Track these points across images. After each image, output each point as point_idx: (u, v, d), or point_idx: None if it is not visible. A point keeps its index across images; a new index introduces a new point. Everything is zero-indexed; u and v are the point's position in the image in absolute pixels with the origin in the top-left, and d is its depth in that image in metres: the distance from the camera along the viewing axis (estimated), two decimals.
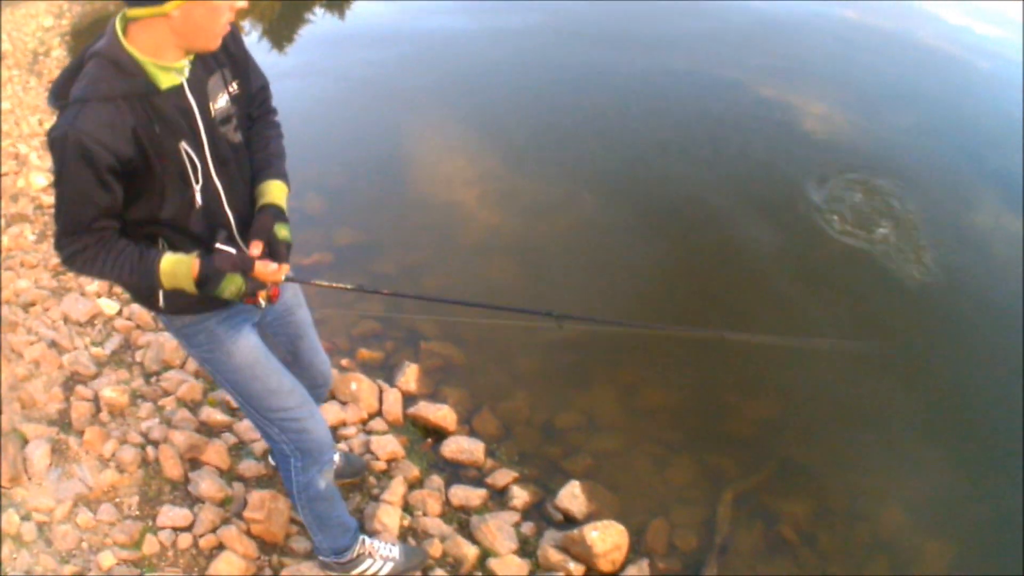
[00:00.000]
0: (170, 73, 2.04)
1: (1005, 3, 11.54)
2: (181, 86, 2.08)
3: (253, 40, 10.79)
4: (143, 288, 2.28)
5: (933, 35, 10.48)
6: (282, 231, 2.37)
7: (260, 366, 2.56)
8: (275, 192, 2.39)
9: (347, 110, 7.84)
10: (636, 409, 4.42)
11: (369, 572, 3.16)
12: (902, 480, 4.13)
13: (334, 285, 2.76)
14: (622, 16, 11.05)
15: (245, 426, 3.84)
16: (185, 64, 2.07)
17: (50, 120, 6.45)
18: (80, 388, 4.00)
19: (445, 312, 4.75)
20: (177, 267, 2.13)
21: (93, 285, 4.80)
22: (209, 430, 3.83)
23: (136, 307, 4.64)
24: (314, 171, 6.42)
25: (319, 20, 11.81)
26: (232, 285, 2.18)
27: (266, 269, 2.26)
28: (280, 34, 11.29)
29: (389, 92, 8.13)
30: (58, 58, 8.46)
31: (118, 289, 4.83)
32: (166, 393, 4.04)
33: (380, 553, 3.19)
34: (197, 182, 2.16)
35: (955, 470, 4.19)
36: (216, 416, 3.88)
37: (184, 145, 2.09)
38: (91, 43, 2.04)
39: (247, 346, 2.52)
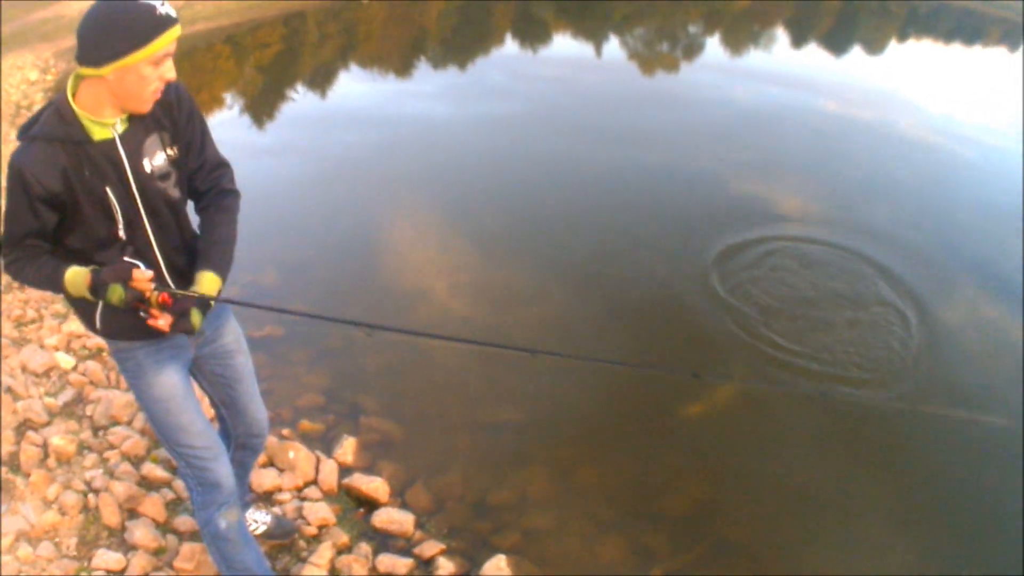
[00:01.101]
0: (104, 128, 2.37)
1: (987, 90, 12.33)
2: (113, 139, 2.40)
3: (233, 115, 11.14)
4: (50, 288, 2.53)
5: (914, 124, 11.08)
6: (196, 317, 2.56)
7: (175, 402, 2.78)
8: (204, 284, 2.58)
9: (321, 190, 8.19)
10: (570, 488, 4.57)
11: None
12: (843, 559, 4.22)
13: (273, 307, 2.94)
14: (602, 108, 11.63)
15: (183, 485, 4.01)
16: (117, 122, 2.40)
17: None
18: (31, 434, 4.18)
19: (387, 389, 5.01)
20: (76, 277, 2.42)
21: (52, 339, 5.00)
22: (149, 484, 4.02)
23: (90, 363, 4.86)
24: (278, 247, 6.72)
25: (301, 99, 12.19)
26: (115, 294, 2.38)
27: (142, 277, 2.41)
28: (261, 111, 11.64)
29: (365, 175, 8.53)
30: None
31: (75, 345, 5.03)
32: (111, 446, 4.23)
33: None
34: (119, 220, 2.46)
35: (902, 551, 4.30)
36: (157, 472, 4.07)
37: (108, 189, 2.41)
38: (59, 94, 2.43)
39: (167, 382, 2.75)
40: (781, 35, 21.76)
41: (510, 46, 17.54)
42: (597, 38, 18.62)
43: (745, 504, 4.55)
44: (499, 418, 5.00)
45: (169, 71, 2.37)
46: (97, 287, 2.38)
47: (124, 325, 2.57)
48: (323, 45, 16.02)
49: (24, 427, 4.25)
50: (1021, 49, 22.19)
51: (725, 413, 5.19)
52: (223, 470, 2.93)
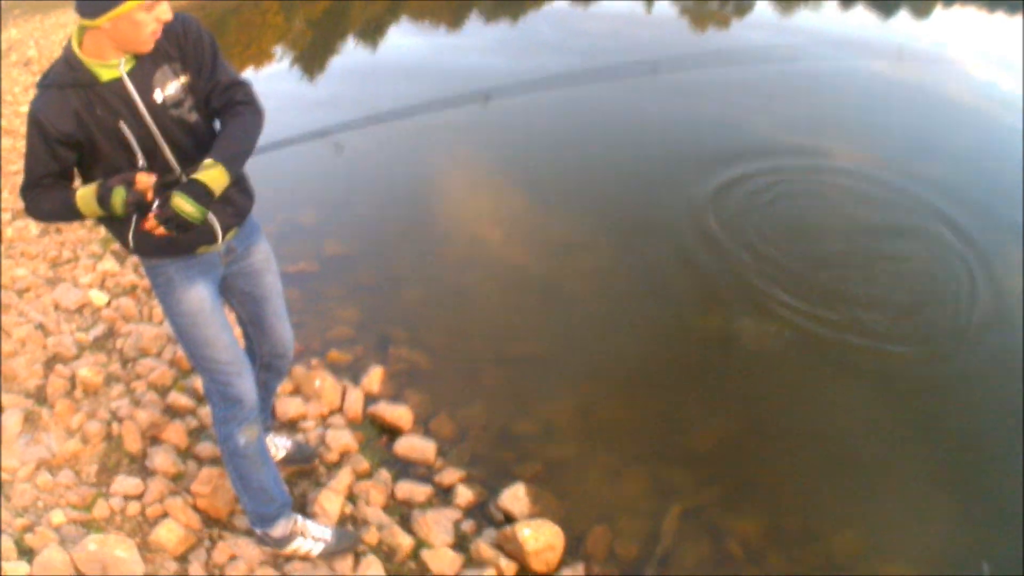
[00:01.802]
0: (110, 69, 2.47)
1: None
2: (120, 78, 2.49)
3: (283, 68, 11.17)
4: (68, 216, 2.60)
5: (962, 89, 10.65)
6: (176, 199, 2.44)
7: (203, 316, 2.85)
8: (204, 170, 2.50)
9: (369, 139, 8.08)
10: (595, 422, 4.50)
11: (301, 550, 3.32)
12: (863, 506, 4.11)
13: None
14: (653, 63, 11.31)
15: (207, 412, 4.02)
16: (121, 62, 2.49)
17: None
18: (59, 367, 4.23)
19: (417, 322, 4.96)
20: (85, 193, 2.49)
21: (86, 278, 5.04)
22: (173, 412, 4.03)
23: (124, 300, 4.89)
24: (321, 190, 6.75)
25: (351, 52, 12.15)
26: (117, 196, 2.43)
27: (145, 178, 2.46)
28: (311, 64, 11.63)
29: (415, 126, 8.37)
30: None
31: (110, 283, 5.07)
32: (139, 377, 4.25)
33: (312, 533, 3.34)
34: (138, 153, 2.56)
35: (920, 501, 4.16)
36: (182, 400, 4.08)
37: (122, 124, 2.51)
38: None
39: (196, 296, 2.82)
40: None
41: (561, 1, 17.25)
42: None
43: (771, 447, 4.43)
44: (526, 352, 4.93)
45: (164, 13, 2.45)
46: (103, 194, 2.45)
47: (157, 243, 2.63)
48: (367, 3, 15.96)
49: (53, 361, 4.30)
50: None
51: (758, 354, 5.02)
52: (246, 386, 2.98)
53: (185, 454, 3.81)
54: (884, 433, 4.54)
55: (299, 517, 3.35)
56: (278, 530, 3.27)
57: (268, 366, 3.38)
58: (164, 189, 2.49)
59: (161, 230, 2.46)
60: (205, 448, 3.83)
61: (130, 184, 2.45)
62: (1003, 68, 12.41)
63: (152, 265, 2.82)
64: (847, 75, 11.18)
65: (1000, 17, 20.03)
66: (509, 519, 3.77)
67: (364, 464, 3.93)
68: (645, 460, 4.28)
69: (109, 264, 5.20)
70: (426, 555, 3.51)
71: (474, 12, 15.39)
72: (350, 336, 4.96)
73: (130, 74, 2.51)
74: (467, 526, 3.74)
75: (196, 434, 3.95)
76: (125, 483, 3.55)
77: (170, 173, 2.63)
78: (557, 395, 4.64)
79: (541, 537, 3.55)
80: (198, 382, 4.20)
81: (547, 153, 7.93)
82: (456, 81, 10.16)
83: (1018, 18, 19.64)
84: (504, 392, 4.65)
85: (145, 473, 3.66)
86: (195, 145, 2.67)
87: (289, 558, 3.35)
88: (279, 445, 3.79)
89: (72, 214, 2.56)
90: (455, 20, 14.66)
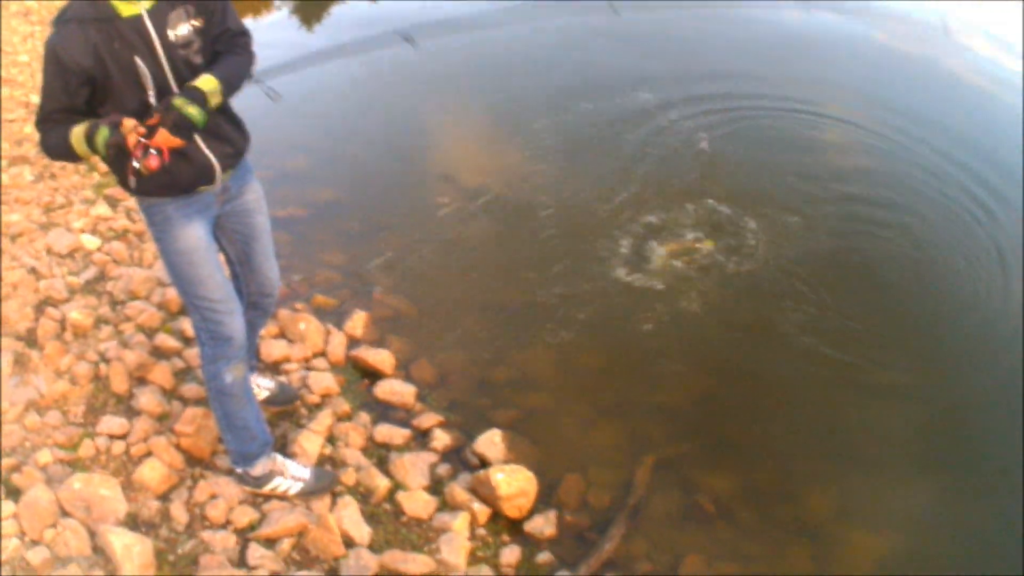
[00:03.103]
0: (130, 4, 2.58)
1: None
2: (140, 15, 2.60)
3: (283, 16, 11.05)
4: (68, 154, 2.70)
5: (962, 66, 10.46)
6: (177, 100, 2.60)
7: (198, 255, 2.97)
8: (200, 80, 2.70)
9: (365, 90, 7.98)
10: (573, 372, 4.58)
11: (280, 489, 3.45)
12: (837, 470, 4.18)
13: None
14: (653, 23, 11.07)
15: (194, 353, 4.14)
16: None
17: None
18: (50, 310, 4.33)
19: (402, 269, 5.04)
20: (77, 130, 2.60)
21: (79, 222, 5.12)
22: (160, 353, 4.14)
23: (115, 244, 4.97)
24: (313, 138, 6.79)
25: (352, 3, 11.97)
26: (100, 136, 2.53)
27: (128, 122, 2.53)
28: (311, 14, 11.49)
29: (412, 77, 8.29)
30: None
31: (102, 227, 5.15)
32: (127, 319, 4.35)
33: (291, 472, 3.47)
34: (150, 88, 2.66)
35: (893, 468, 4.23)
36: (169, 342, 4.19)
37: (138, 59, 2.61)
38: None
39: (192, 235, 2.94)
40: None
41: None
42: None
43: (746, 405, 4.51)
44: (509, 301, 5.02)
45: None
46: (90, 133, 2.56)
47: (157, 183, 2.74)
48: None
49: (44, 304, 4.40)
50: None
51: (736, 313, 5.08)
52: (236, 325, 3.11)
53: (170, 395, 3.93)
54: (865, 398, 4.59)
55: (279, 457, 3.48)
56: (258, 469, 3.40)
57: (255, 304, 3.48)
58: (149, 135, 2.56)
59: (164, 148, 2.56)
60: (190, 389, 3.95)
61: (116, 126, 2.52)
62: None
63: (150, 204, 2.91)
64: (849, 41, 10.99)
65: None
66: (484, 464, 3.87)
67: (345, 406, 4.05)
68: (621, 412, 4.38)
69: (102, 209, 5.27)
70: (401, 497, 3.64)
71: None
72: (335, 281, 5.03)
73: (150, 12, 2.62)
74: (443, 470, 3.86)
75: (182, 375, 4.07)
76: (111, 423, 3.68)
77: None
78: (536, 344, 4.72)
79: (514, 482, 3.65)
80: (185, 324, 4.31)
81: (531, 97, 7.87)
82: (459, 37, 10.02)
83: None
84: (484, 340, 4.72)
85: (131, 413, 3.78)
86: None
87: (268, 497, 3.48)
88: (262, 386, 3.91)
89: (70, 151, 2.65)
90: None
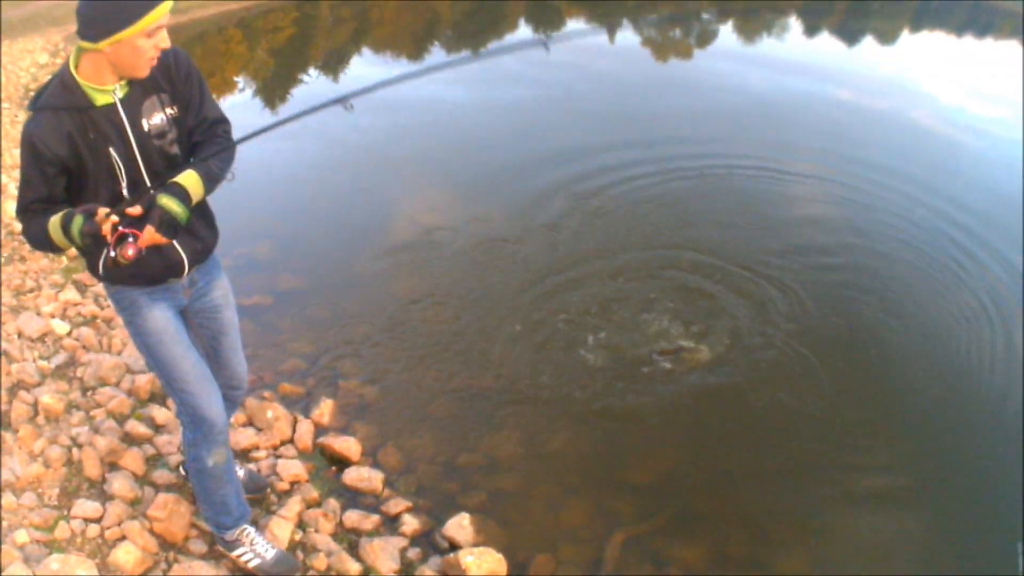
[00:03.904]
0: (105, 94, 2.61)
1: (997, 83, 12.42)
2: (114, 104, 2.63)
3: (245, 98, 11.33)
4: (48, 245, 2.65)
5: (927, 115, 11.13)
6: (162, 198, 2.62)
7: (168, 335, 3.02)
8: (181, 175, 2.70)
9: (329, 172, 8.33)
10: (539, 454, 4.70)
11: (243, 559, 3.57)
12: (810, 533, 4.31)
13: None
14: (614, 94, 11.61)
15: (164, 440, 4.24)
16: (116, 88, 2.63)
17: None
18: (23, 393, 4.40)
19: (368, 356, 5.20)
20: (55, 220, 2.58)
21: (49, 307, 5.22)
22: (131, 440, 4.23)
23: (84, 329, 5.07)
24: (277, 223, 6.96)
25: (313, 82, 12.31)
26: (75, 226, 2.51)
27: (102, 210, 2.51)
28: (273, 93, 11.79)
29: (375, 158, 8.62)
30: None
31: (71, 312, 5.25)
32: (98, 405, 4.44)
33: (256, 547, 3.58)
34: (123, 179, 2.69)
35: (866, 530, 4.36)
36: (139, 428, 4.28)
37: (112, 150, 2.64)
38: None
39: (161, 317, 2.99)
40: (794, 24, 21.68)
41: (523, 31, 17.61)
42: (611, 24, 18.64)
43: (711, 477, 4.65)
44: (474, 386, 5.17)
45: (163, 41, 2.57)
46: (65, 223, 2.55)
47: (125, 273, 2.75)
48: (336, 29, 16.20)
49: (17, 387, 4.47)
50: None
51: (696, 388, 5.26)
52: (214, 409, 3.16)
53: (142, 480, 4.01)
54: (836, 471, 4.74)
55: (251, 529, 3.60)
56: (229, 535, 3.55)
57: (224, 397, 3.40)
58: (123, 223, 2.55)
59: (146, 242, 2.55)
60: (161, 475, 4.03)
61: (90, 214, 2.51)
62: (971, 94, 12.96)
63: (118, 290, 2.95)
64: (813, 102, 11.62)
65: (969, 41, 20.76)
66: (454, 547, 3.96)
67: (314, 493, 4.16)
68: (588, 491, 4.49)
69: (71, 294, 5.38)
70: None
71: (435, 44, 15.66)
72: (301, 368, 5.18)
73: (123, 101, 2.65)
74: (413, 554, 3.95)
75: (153, 461, 4.15)
76: (85, 506, 3.74)
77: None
78: (501, 427, 4.86)
79: (484, 564, 3.75)
80: (155, 411, 4.42)
81: (489, 167, 8.23)
82: (416, 112, 10.42)
83: (988, 42, 20.42)
84: (450, 424, 4.86)
85: (104, 497, 3.85)
86: (171, 176, 2.75)
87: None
88: None
89: (49, 241, 2.64)
90: (417, 51, 14.91)
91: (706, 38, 18.78)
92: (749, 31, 19.44)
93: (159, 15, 2.49)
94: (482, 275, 6.39)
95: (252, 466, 4.26)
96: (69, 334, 5.05)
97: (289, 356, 5.27)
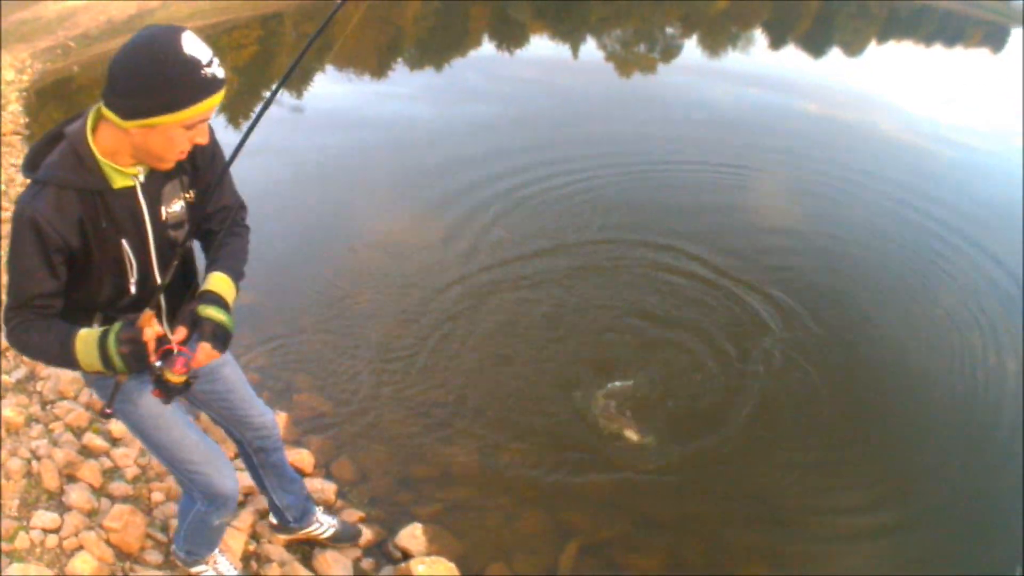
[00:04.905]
0: (125, 176, 2.22)
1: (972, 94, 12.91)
2: (134, 188, 2.26)
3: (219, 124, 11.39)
4: (60, 359, 2.29)
5: (897, 126, 11.51)
6: (207, 310, 2.39)
7: (163, 418, 2.74)
8: (214, 282, 2.47)
9: (294, 192, 8.44)
10: (493, 465, 4.85)
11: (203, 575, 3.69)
12: (769, 540, 4.52)
13: None
14: (577, 110, 11.86)
15: (121, 453, 4.37)
16: (139, 170, 2.26)
17: None
18: None
19: (322, 369, 5.34)
20: (87, 344, 2.22)
21: None
22: (88, 452, 4.36)
23: None
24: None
25: (278, 99, 12.36)
26: (111, 337, 2.21)
27: (147, 325, 2.21)
28: (237, 112, 11.85)
29: (339, 177, 8.84)
30: (13, 113, 8.61)
31: None
32: (57, 418, 4.57)
33: (220, 568, 3.72)
34: (133, 276, 2.35)
35: (825, 533, 4.62)
36: (96, 441, 4.41)
37: (125, 242, 2.28)
38: (70, 118, 2.23)
39: (154, 400, 2.53)
40: (759, 37, 22.13)
41: (487, 47, 17.79)
42: (574, 40, 18.94)
43: (666, 486, 4.83)
44: (428, 399, 5.33)
45: (202, 135, 2.23)
46: (106, 352, 2.20)
47: (170, 396, 2.42)
48: (299, 46, 16.21)
49: None
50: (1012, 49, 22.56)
51: (650, 399, 5.48)
52: (227, 482, 2.99)
53: (99, 492, 4.15)
54: (790, 468, 5.01)
55: (216, 552, 3.72)
56: (194, 559, 3.64)
57: (259, 449, 3.34)
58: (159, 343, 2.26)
59: (201, 361, 2.32)
60: (118, 487, 4.17)
61: (129, 322, 2.20)
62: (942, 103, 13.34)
63: (101, 378, 2.56)
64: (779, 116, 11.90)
65: (938, 50, 21.17)
66: (407, 557, 4.12)
67: (265, 504, 4.29)
68: (541, 501, 4.64)
69: None
70: None
71: (399, 61, 15.80)
72: (255, 382, 5.27)
73: (143, 185, 2.29)
74: (366, 564, 4.13)
75: (110, 474, 4.29)
76: (44, 517, 3.87)
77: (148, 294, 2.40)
78: (456, 438, 5.02)
79: (436, 572, 3.92)
80: (112, 424, 4.53)
81: (440, 189, 8.44)
82: (379, 130, 10.58)
83: (958, 50, 20.89)
84: (404, 437, 5.00)
85: (62, 508, 3.98)
86: (182, 270, 2.53)
87: None
88: (324, 523, 4.09)
89: (66, 358, 2.23)
90: (380, 68, 15.04)
91: (670, 53, 19.09)
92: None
93: (208, 107, 2.11)
94: (438, 290, 6.56)
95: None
96: None
97: (243, 370, 5.37)
